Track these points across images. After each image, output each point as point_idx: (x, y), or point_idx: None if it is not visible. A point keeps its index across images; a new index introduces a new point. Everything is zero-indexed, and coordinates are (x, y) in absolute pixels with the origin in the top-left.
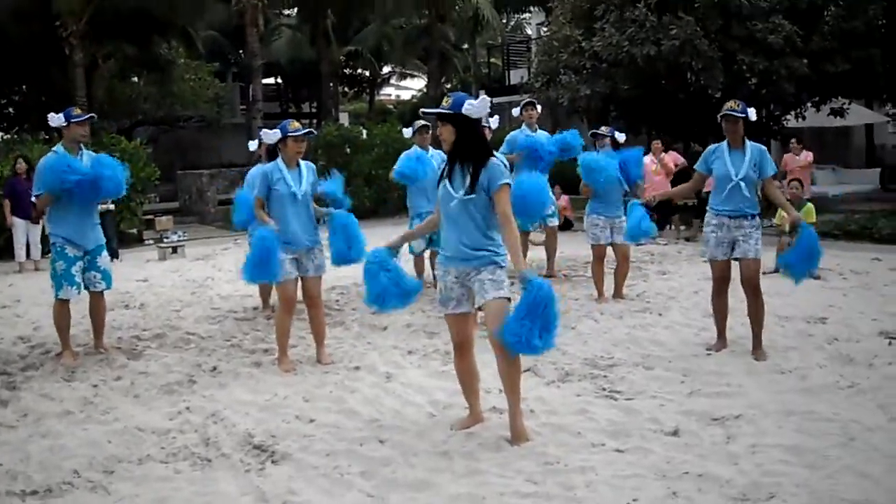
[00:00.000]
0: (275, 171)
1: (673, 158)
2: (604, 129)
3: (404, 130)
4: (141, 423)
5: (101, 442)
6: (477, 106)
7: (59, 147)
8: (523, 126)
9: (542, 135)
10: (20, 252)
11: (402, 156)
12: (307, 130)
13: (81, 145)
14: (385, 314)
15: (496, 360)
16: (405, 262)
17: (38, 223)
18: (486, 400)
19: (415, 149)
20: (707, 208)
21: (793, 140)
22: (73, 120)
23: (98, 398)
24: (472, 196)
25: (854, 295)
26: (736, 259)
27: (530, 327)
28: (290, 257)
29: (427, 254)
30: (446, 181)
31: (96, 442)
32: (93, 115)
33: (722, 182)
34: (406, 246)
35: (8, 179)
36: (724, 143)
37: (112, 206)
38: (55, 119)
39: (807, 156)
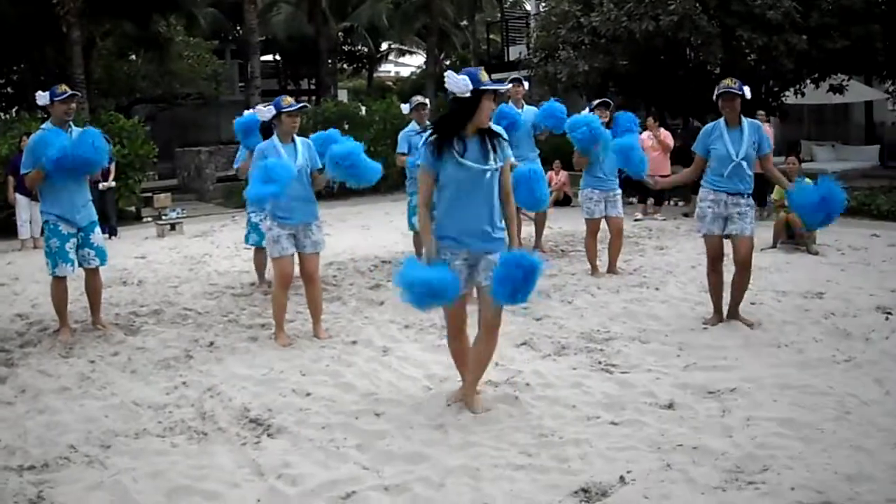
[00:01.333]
0: (269, 148)
1: (664, 136)
2: (609, 101)
3: (402, 106)
4: (138, 398)
5: (98, 417)
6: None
7: (47, 125)
8: (509, 102)
9: (528, 111)
10: (22, 229)
11: (402, 133)
12: (300, 105)
13: (70, 123)
14: (385, 290)
15: (480, 337)
16: (405, 238)
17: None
18: None
19: (412, 125)
20: (702, 183)
21: (760, 112)
22: (56, 98)
23: (95, 374)
24: (499, 166)
25: (852, 270)
26: (729, 235)
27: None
28: (287, 233)
29: None
30: (461, 156)
31: (93, 417)
32: (76, 92)
33: (723, 162)
34: (406, 222)
35: (11, 157)
36: (721, 122)
37: (112, 184)
38: (41, 97)
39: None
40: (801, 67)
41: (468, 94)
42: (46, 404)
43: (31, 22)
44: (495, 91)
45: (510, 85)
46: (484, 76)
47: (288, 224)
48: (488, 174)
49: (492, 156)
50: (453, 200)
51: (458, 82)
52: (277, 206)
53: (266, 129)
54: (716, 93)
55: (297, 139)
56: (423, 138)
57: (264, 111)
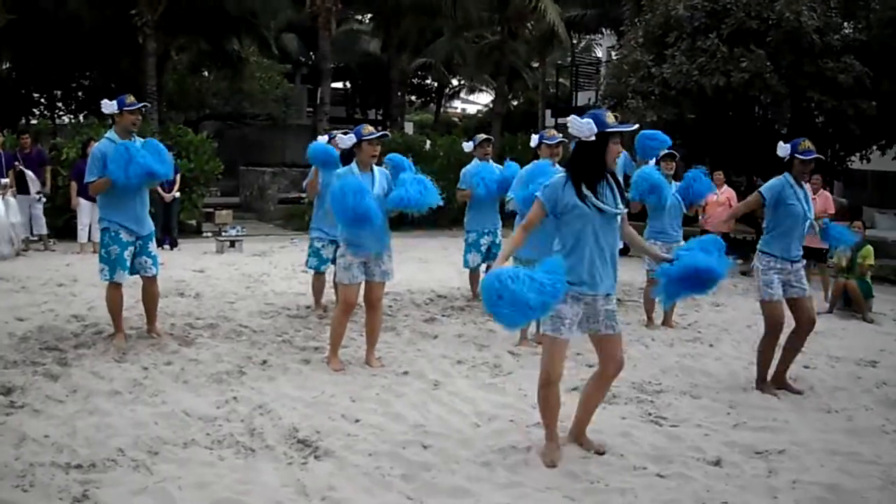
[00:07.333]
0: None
1: (729, 197)
2: (674, 152)
3: (464, 144)
4: (188, 409)
5: (147, 423)
6: None
7: (111, 134)
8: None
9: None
10: (82, 233)
11: (465, 170)
12: (381, 133)
13: (133, 133)
14: (440, 325)
15: (602, 375)
16: (462, 275)
17: None
18: (531, 415)
19: (475, 162)
20: (767, 251)
21: (815, 175)
22: (125, 108)
23: (147, 381)
24: (625, 211)
25: None
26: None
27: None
28: (360, 261)
29: (483, 268)
30: (595, 199)
31: (143, 423)
32: (146, 103)
33: (800, 220)
34: (462, 260)
35: (76, 162)
36: (791, 179)
37: (178, 195)
38: (108, 106)
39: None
40: (869, 133)
41: (593, 138)
42: (97, 406)
43: (108, 30)
44: (621, 133)
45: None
46: (610, 118)
47: (361, 252)
48: (618, 218)
49: (619, 199)
50: (585, 244)
51: (582, 126)
52: (353, 236)
53: (345, 156)
54: (807, 156)
55: (375, 168)
56: (556, 180)
57: (345, 139)
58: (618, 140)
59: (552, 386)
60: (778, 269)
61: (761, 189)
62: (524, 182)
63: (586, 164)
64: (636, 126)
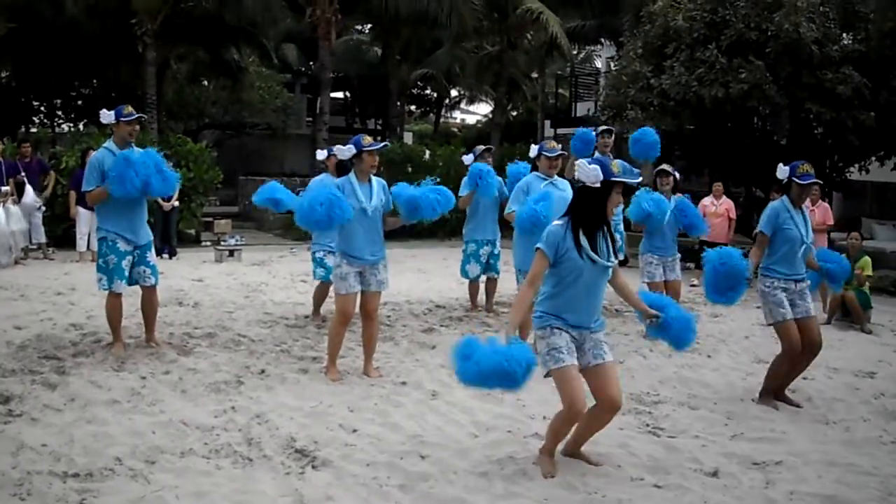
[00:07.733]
0: (346, 185)
1: (728, 208)
2: (668, 168)
3: (464, 157)
4: (186, 418)
5: (145, 432)
6: None
7: (110, 143)
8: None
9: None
10: (81, 242)
11: (466, 180)
12: (382, 144)
13: (132, 143)
14: (438, 335)
15: (598, 411)
16: (461, 286)
17: None
18: (528, 426)
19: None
20: (771, 273)
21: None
22: (122, 119)
23: (145, 390)
24: (615, 264)
25: None
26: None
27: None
28: (355, 271)
29: (483, 279)
30: (590, 250)
31: (140, 432)
32: (142, 115)
33: (797, 244)
34: (459, 270)
35: (74, 171)
36: (788, 203)
37: (176, 203)
38: (106, 116)
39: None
40: (868, 144)
41: (598, 185)
42: (95, 415)
43: (108, 39)
44: (624, 184)
45: (599, 134)
46: (616, 168)
47: (357, 262)
48: (610, 270)
49: (612, 251)
50: (573, 291)
51: (589, 172)
52: (349, 245)
53: (342, 167)
54: (805, 181)
55: (374, 179)
56: (556, 228)
57: (344, 149)
58: (620, 190)
59: (574, 420)
60: (783, 287)
61: (760, 228)
62: (520, 195)
63: (587, 210)
64: (640, 178)
